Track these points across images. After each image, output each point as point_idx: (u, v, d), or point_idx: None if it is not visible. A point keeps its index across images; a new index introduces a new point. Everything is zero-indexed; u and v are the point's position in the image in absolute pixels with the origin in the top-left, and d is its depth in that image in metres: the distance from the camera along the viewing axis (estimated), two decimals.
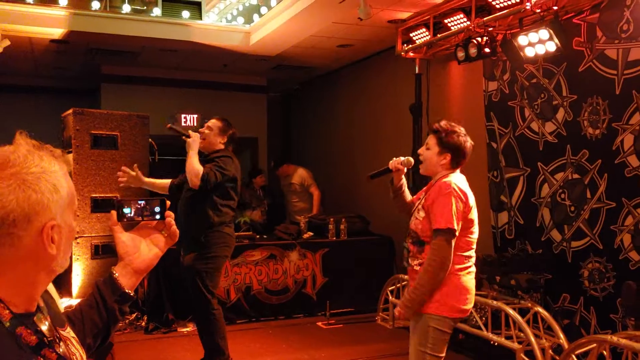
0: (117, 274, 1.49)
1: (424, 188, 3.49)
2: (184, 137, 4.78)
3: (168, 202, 1.55)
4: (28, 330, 1.17)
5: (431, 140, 3.32)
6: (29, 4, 7.01)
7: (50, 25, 7.18)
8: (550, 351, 4.64)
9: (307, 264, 7.03)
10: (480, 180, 6.30)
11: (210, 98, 10.35)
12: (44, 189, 1.18)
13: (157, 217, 1.53)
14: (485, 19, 5.57)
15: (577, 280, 5.09)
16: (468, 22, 5.78)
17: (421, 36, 6.53)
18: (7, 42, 7.15)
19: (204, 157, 4.87)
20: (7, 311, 1.15)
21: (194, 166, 4.62)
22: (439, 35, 6.26)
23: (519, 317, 4.69)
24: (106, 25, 7.39)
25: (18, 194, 1.13)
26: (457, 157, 3.28)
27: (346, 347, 5.84)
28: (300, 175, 8.56)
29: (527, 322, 4.74)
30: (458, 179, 3.25)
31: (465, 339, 5.65)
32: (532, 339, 4.55)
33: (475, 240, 3.27)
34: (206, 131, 5.05)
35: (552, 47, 5.03)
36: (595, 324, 4.93)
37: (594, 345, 4.05)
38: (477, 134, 6.31)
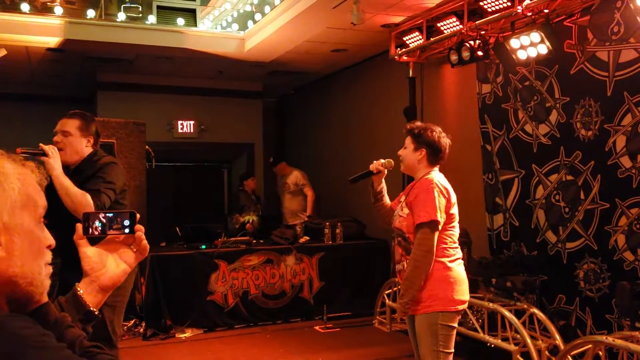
0: (81, 291, 1.40)
1: (403, 191, 3.61)
2: (38, 157, 3.42)
3: (138, 215, 1.47)
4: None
5: (407, 140, 3.46)
6: (25, 13, 7.04)
7: (46, 34, 7.21)
8: (546, 352, 4.66)
9: (303, 268, 7.05)
10: (475, 182, 6.34)
11: (206, 104, 10.40)
12: None
13: (127, 230, 1.44)
14: (477, 22, 5.61)
15: (573, 281, 5.11)
16: (461, 26, 5.82)
17: (414, 40, 6.57)
18: (3, 52, 7.18)
19: (73, 172, 3.65)
20: None
21: (77, 197, 3.37)
22: (432, 39, 6.29)
23: (515, 319, 4.71)
24: (101, 34, 7.42)
25: None
26: (433, 152, 3.39)
27: (344, 351, 5.86)
28: (295, 175, 8.61)
29: (523, 323, 4.76)
30: (439, 176, 3.37)
31: (461, 341, 5.65)
32: (528, 340, 4.57)
33: (457, 235, 3.37)
34: (63, 138, 3.67)
35: (543, 49, 5.06)
36: (591, 324, 4.95)
37: (590, 345, 4.06)
38: (472, 136, 6.36)
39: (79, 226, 1.40)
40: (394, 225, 3.44)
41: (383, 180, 3.60)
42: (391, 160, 3.54)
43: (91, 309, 1.39)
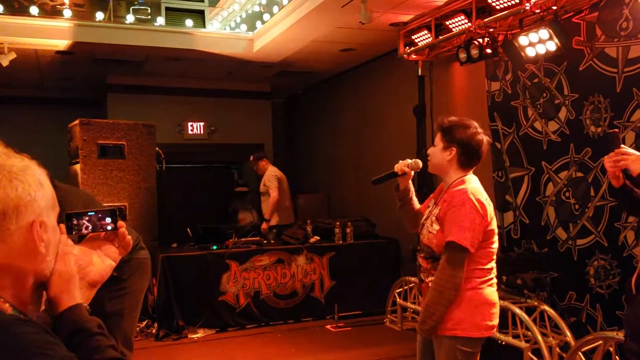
0: None
1: (432, 194, 3.22)
2: None
3: (118, 212, 1.50)
4: (28, 317, 1.17)
5: (437, 137, 3.03)
6: (35, 16, 7.10)
7: (55, 36, 7.27)
8: (557, 349, 4.66)
9: (314, 268, 7.07)
10: (485, 180, 6.28)
11: (215, 106, 10.45)
12: (31, 181, 1.16)
13: (109, 227, 1.47)
14: (485, 20, 5.60)
15: (583, 277, 5.10)
16: (469, 24, 5.81)
17: (423, 38, 6.57)
18: (13, 55, 7.24)
19: None
20: (7, 304, 1.14)
21: None
22: (440, 37, 6.29)
23: (525, 316, 4.71)
24: (110, 36, 7.48)
25: (5, 185, 1.12)
26: (466, 152, 2.94)
27: (355, 350, 5.87)
28: (267, 174, 8.15)
29: (534, 320, 4.75)
30: (475, 186, 2.93)
31: None
32: (539, 337, 4.57)
33: (496, 250, 2.96)
34: None
35: (552, 46, 5.06)
36: (601, 321, 4.94)
37: (600, 342, 4.06)
38: None
39: (62, 226, 1.41)
40: (422, 239, 3.03)
41: (410, 182, 3.22)
42: (419, 160, 3.16)
43: (83, 304, 1.40)
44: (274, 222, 8.06)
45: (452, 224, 2.81)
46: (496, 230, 2.94)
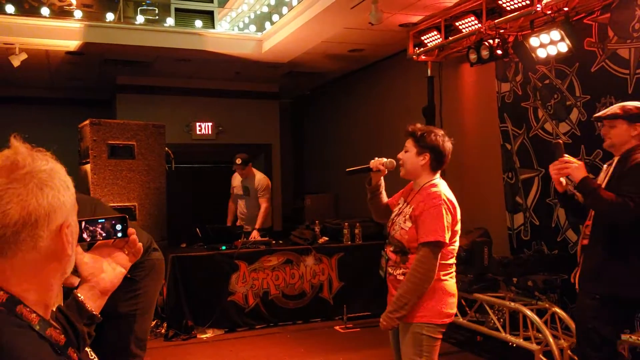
0: (82, 297, 1.40)
1: (401, 192, 3.44)
2: None
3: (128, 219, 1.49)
4: (57, 330, 1.17)
5: (408, 143, 3.24)
6: (45, 17, 7.13)
7: (65, 37, 7.30)
8: (568, 351, 4.64)
9: (323, 269, 7.06)
10: (495, 181, 6.33)
11: (223, 106, 10.47)
12: (59, 186, 1.16)
13: (119, 235, 1.46)
14: (496, 21, 5.59)
15: None
16: (479, 25, 5.80)
17: (433, 39, 6.57)
18: (24, 55, 7.27)
19: None
20: (34, 314, 1.14)
21: None
22: (450, 38, 6.28)
23: (536, 318, 4.69)
24: (120, 36, 7.50)
25: (37, 193, 1.11)
26: (437, 157, 3.18)
27: (364, 351, 5.86)
28: (258, 180, 7.69)
29: (545, 322, 4.74)
30: (445, 188, 3.18)
31: (483, 340, 5.66)
32: (551, 339, 4.55)
33: (457, 249, 3.21)
34: None
35: (563, 48, 5.05)
36: None
37: None
38: (491, 135, 6.35)
39: None
40: (393, 235, 3.25)
41: (382, 177, 3.46)
42: (393, 160, 3.37)
43: (94, 313, 1.41)
44: (257, 226, 7.58)
45: (430, 222, 3.04)
46: (459, 232, 3.19)
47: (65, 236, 1.16)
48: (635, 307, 3.49)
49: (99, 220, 1.44)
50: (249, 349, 6.04)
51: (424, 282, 3.02)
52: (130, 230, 1.47)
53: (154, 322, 6.50)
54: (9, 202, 1.09)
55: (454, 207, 3.12)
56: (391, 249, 3.27)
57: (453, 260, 3.20)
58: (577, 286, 3.60)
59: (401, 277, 3.16)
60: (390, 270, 3.28)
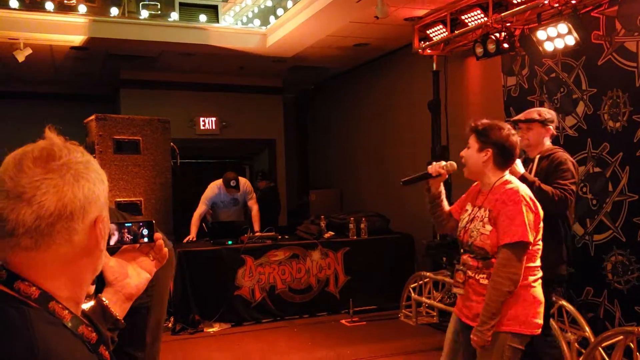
0: (107, 302, 1.38)
1: (464, 197, 3.24)
2: None
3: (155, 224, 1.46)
4: (89, 328, 1.14)
5: (471, 139, 3.03)
6: (50, 12, 7.12)
7: (70, 32, 7.30)
8: (576, 344, 4.64)
9: (329, 263, 7.08)
10: None
11: (227, 100, 10.46)
12: (94, 179, 1.13)
13: (146, 239, 1.44)
14: (502, 14, 5.58)
15: (601, 273, 5.09)
16: (485, 18, 5.80)
17: (438, 33, 6.56)
18: (29, 51, 7.27)
19: None
20: (67, 311, 1.11)
21: None
22: (456, 32, 6.28)
23: None
24: (125, 31, 7.50)
25: (73, 185, 1.08)
26: (502, 153, 2.96)
27: (370, 344, 5.87)
28: (243, 185, 7.64)
29: (552, 315, 4.75)
30: (522, 186, 2.96)
31: None
32: (558, 332, 4.56)
33: (541, 248, 2.99)
34: None
35: (571, 41, 5.03)
36: (619, 316, 4.93)
37: (621, 337, 4.04)
38: None
39: None
40: (472, 242, 2.99)
41: (442, 183, 3.24)
42: (454, 162, 3.15)
43: (118, 318, 1.39)
44: (257, 228, 7.55)
45: (511, 222, 2.82)
46: (541, 231, 2.95)
47: (99, 231, 1.14)
48: (547, 287, 3.33)
49: (126, 224, 1.43)
50: (256, 342, 6.05)
51: (508, 287, 2.80)
52: (157, 235, 1.46)
53: None
54: (45, 193, 1.05)
55: (535, 205, 2.90)
56: (472, 256, 3.03)
57: (538, 263, 2.97)
58: None
59: (484, 281, 2.94)
60: (470, 273, 3.03)
